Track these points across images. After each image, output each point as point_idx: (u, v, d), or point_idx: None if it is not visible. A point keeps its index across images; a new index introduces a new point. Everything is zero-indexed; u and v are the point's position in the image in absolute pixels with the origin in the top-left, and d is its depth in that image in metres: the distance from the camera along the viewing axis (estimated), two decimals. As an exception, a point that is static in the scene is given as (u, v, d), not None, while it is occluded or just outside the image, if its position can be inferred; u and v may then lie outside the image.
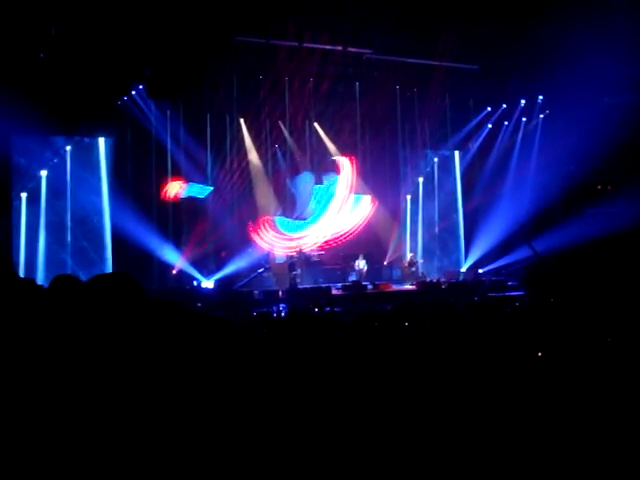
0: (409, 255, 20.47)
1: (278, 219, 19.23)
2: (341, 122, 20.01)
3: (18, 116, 13.45)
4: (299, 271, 18.62)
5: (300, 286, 17.92)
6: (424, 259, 20.87)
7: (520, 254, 18.50)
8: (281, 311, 12.23)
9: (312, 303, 12.40)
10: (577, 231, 16.59)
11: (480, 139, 21.85)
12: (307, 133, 20.16)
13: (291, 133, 20.05)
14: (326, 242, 19.92)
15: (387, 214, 21.10)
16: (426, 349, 4.51)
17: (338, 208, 19.82)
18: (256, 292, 16.35)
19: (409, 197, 22.46)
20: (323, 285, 17.79)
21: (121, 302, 1.92)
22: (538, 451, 2.53)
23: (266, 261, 18.50)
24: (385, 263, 21.03)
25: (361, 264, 19.50)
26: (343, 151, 20.31)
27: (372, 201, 20.21)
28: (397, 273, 20.71)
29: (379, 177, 20.91)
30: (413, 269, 19.77)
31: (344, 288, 17.54)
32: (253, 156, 19.44)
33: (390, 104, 20.42)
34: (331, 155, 20.11)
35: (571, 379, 3.46)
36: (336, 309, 11.37)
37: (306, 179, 20.13)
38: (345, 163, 20.09)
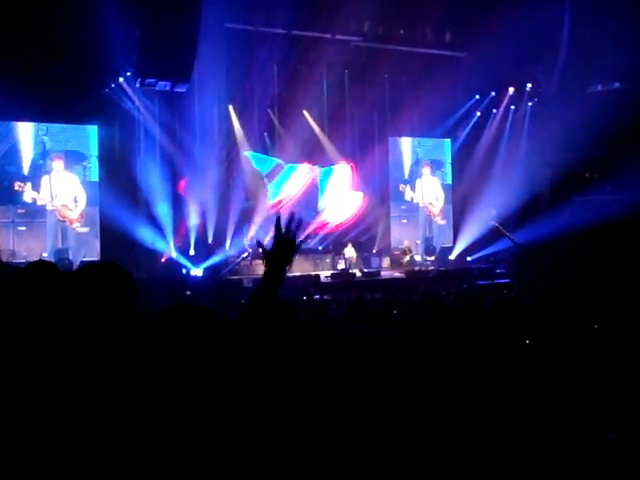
0: (405, 243, 20.48)
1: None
2: (330, 110, 20.03)
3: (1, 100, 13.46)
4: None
5: (289, 274, 18.19)
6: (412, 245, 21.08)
7: (508, 242, 18.53)
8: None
9: (301, 291, 12.42)
10: (565, 219, 16.72)
11: (469, 127, 21.97)
12: (296, 121, 20.49)
13: (280, 121, 19.88)
14: (319, 229, 20.61)
15: (375, 202, 21.38)
16: (415, 338, 4.55)
17: (337, 205, 21.09)
18: (245, 280, 16.23)
19: (406, 187, 22.75)
20: (312, 273, 17.75)
21: (110, 294, 1.85)
22: (531, 446, 2.55)
23: (251, 246, 18.24)
24: (374, 251, 21.17)
25: (349, 252, 19.60)
26: (332, 139, 20.56)
27: (363, 198, 20.98)
28: (386, 261, 20.81)
29: (367, 164, 21.04)
30: (407, 258, 19.80)
31: (333, 276, 17.61)
32: (242, 143, 19.33)
33: (379, 92, 20.37)
34: (326, 151, 20.77)
35: (559, 368, 3.46)
36: (325, 297, 11.45)
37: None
38: (345, 169, 21.03)
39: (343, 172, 21.45)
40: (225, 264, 17.52)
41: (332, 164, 21.20)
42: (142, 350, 1.66)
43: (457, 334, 4.56)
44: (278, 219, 2.16)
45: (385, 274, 18.91)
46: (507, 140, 21.55)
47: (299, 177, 20.89)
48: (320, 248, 20.71)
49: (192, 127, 17.92)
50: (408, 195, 22.71)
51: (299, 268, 19.02)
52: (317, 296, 11.63)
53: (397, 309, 7.44)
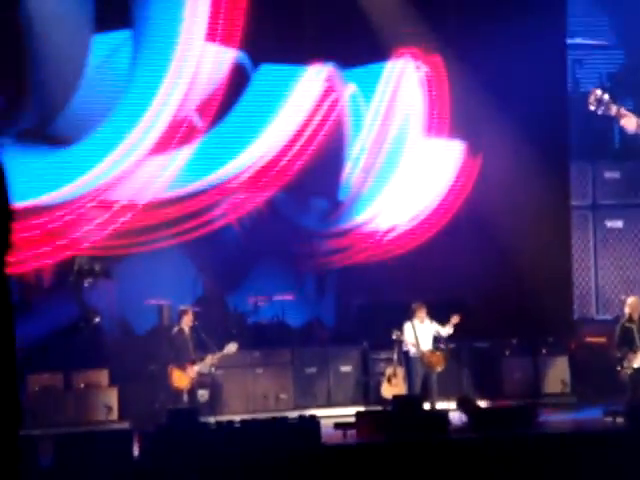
0: (629, 302, 19.91)
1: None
2: None
3: None
4: (208, 361, 18.52)
5: (208, 416, 17.78)
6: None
7: None
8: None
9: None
10: None
11: None
12: None
13: None
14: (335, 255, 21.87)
15: (520, 165, 21.75)
16: None
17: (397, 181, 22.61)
18: (48, 436, 16.11)
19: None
20: (289, 414, 17.42)
21: None
22: None
23: (91, 312, 19.71)
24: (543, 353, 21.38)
25: (422, 336, 19.35)
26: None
27: (468, 154, 22.16)
28: (556, 379, 20.92)
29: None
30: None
31: (367, 418, 17.28)
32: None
33: None
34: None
35: None
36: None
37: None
38: (415, 72, 22.40)
39: (411, 80, 22.48)
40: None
41: (382, 58, 22.12)
42: None
43: None
44: None
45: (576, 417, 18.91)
46: None
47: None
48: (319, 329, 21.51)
49: None
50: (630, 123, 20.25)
51: (238, 395, 19.49)
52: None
53: None
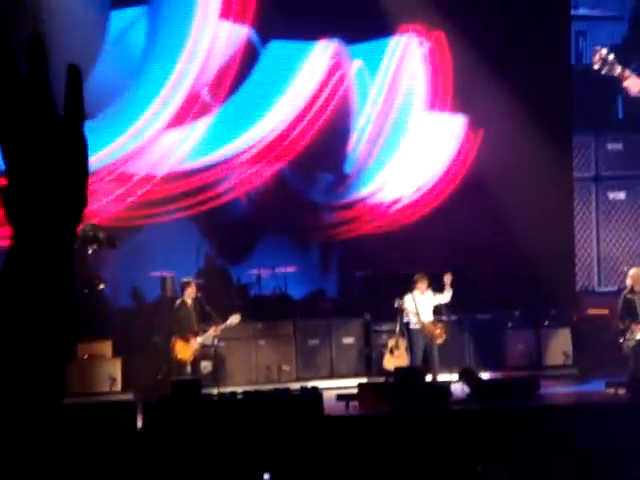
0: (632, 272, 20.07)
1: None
2: None
3: None
4: (211, 332, 18.42)
5: (211, 387, 17.91)
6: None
7: None
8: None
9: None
10: None
11: None
12: None
13: None
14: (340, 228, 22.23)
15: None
16: None
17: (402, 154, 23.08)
18: None
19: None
20: (293, 387, 17.35)
21: None
22: None
23: (95, 279, 19.75)
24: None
25: (423, 308, 19.33)
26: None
27: (470, 128, 22.73)
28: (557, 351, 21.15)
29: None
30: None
31: (369, 389, 17.58)
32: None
33: None
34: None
35: None
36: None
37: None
38: (417, 47, 22.95)
39: (414, 56, 23.12)
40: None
41: (386, 34, 22.74)
42: None
43: None
44: None
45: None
46: None
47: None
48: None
49: None
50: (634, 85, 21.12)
51: (241, 367, 19.68)
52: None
53: None
